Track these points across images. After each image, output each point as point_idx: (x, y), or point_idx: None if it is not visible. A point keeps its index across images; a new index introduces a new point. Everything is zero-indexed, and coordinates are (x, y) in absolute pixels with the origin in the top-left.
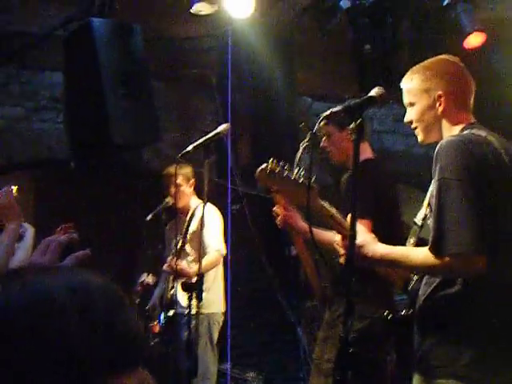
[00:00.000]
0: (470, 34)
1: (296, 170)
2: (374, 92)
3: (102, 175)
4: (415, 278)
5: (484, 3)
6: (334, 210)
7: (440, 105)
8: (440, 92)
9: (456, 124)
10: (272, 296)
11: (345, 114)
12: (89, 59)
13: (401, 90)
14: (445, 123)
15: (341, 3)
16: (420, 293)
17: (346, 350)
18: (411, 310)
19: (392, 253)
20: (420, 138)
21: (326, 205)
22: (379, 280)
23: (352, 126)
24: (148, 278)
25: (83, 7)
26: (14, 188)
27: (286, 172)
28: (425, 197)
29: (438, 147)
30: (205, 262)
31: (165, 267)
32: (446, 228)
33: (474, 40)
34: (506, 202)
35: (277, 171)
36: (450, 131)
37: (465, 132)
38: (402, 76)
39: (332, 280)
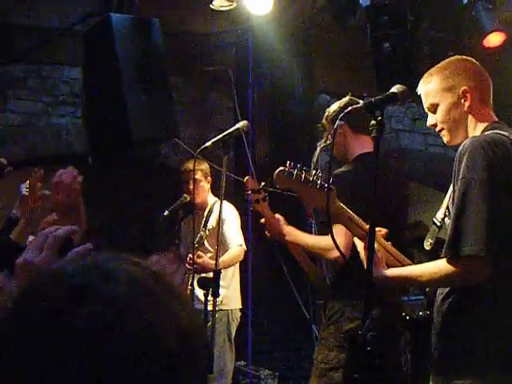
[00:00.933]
0: (489, 33)
1: (313, 172)
2: (395, 89)
3: (119, 170)
4: None
5: (504, 2)
6: (352, 212)
7: (466, 100)
8: (465, 87)
9: (481, 121)
10: (287, 293)
11: (366, 111)
12: (108, 54)
13: None
14: (471, 119)
15: (360, 1)
16: (438, 292)
17: (363, 348)
18: (428, 311)
19: (402, 274)
20: (446, 138)
21: (345, 206)
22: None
23: (372, 122)
24: None
25: (102, 2)
26: (79, 177)
27: (304, 174)
28: (442, 196)
29: (461, 147)
30: (227, 256)
31: (186, 265)
32: (464, 228)
33: (494, 39)
34: None
35: (294, 173)
36: (475, 128)
37: (488, 132)
38: (422, 74)
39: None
